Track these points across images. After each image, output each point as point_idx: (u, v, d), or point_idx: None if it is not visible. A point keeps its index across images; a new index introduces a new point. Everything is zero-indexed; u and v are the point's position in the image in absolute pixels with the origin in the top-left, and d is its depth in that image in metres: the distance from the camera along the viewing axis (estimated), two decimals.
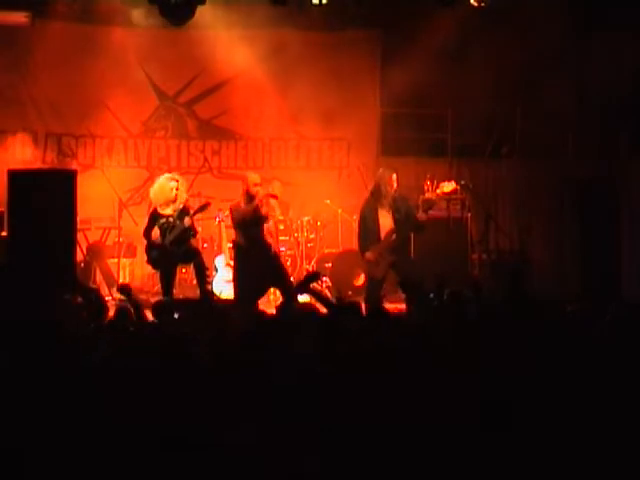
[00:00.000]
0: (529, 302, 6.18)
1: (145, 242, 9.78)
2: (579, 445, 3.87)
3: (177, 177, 9.91)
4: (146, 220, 9.79)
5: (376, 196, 9.30)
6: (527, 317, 5.56)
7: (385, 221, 9.27)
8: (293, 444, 3.68)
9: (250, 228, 9.17)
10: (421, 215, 9.25)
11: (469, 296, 6.18)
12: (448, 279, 6.29)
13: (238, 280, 9.36)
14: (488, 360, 4.59)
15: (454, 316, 5.58)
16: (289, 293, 8.81)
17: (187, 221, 9.51)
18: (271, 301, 10.40)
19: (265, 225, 9.25)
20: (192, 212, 9.73)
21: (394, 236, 9.22)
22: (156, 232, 9.63)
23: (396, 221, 9.22)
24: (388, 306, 7.40)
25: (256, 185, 9.14)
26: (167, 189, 9.63)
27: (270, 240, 9.36)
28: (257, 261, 9.13)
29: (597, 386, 4.24)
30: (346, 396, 4.05)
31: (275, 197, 9.42)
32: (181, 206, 9.65)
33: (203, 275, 9.92)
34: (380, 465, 3.67)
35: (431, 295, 6.19)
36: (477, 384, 4.19)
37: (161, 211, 9.62)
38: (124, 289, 6.58)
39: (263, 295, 9.61)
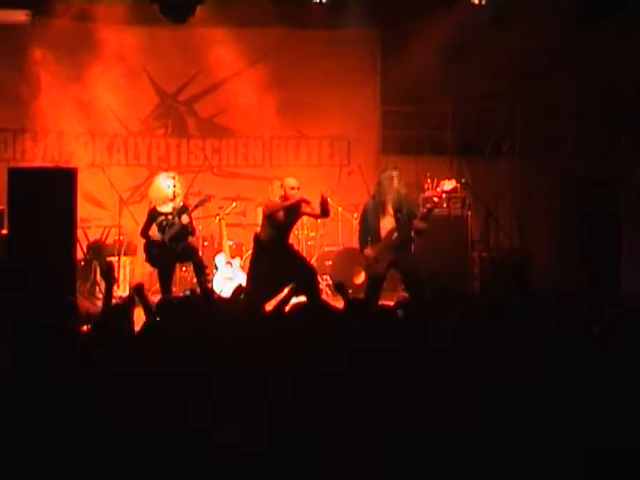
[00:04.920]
0: (531, 300, 6.18)
1: (144, 241, 9.81)
2: (578, 444, 3.87)
3: (174, 175, 9.94)
4: (144, 219, 9.83)
5: (379, 195, 9.32)
6: (529, 315, 5.56)
7: (387, 219, 9.28)
8: (293, 445, 3.69)
9: (278, 228, 9.21)
10: (418, 223, 9.25)
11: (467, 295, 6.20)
12: (443, 277, 6.30)
13: (251, 276, 9.38)
14: (487, 360, 4.60)
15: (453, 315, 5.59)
16: (312, 295, 8.87)
17: (185, 219, 9.55)
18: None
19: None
20: (191, 207, 9.77)
21: (395, 235, 9.23)
22: (154, 230, 9.67)
23: (397, 220, 9.22)
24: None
25: (293, 189, 9.23)
26: (164, 188, 9.67)
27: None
28: (274, 260, 9.15)
29: (596, 386, 4.24)
30: (345, 395, 4.06)
31: (308, 202, 9.36)
32: (180, 204, 9.69)
33: (202, 273, 9.94)
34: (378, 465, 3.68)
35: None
36: (476, 384, 4.19)
37: (160, 209, 9.65)
38: (138, 290, 6.43)
39: (276, 295, 9.60)
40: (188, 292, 9.64)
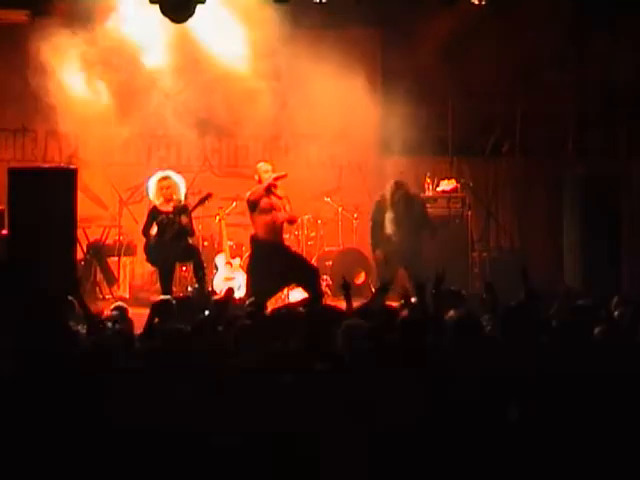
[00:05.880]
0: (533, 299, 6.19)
1: (144, 240, 9.81)
2: (578, 444, 3.87)
3: (168, 175, 9.94)
4: (145, 218, 9.84)
5: (389, 197, 9.38)
6: (531, 315, 5.57)
7: (397, 221, 9.32)
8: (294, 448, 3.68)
9: (264, 215, 9.28)
10: (432, 230, 9.40)
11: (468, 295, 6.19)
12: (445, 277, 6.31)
13: (251, 277, 9.40)
14: (486, 358, 4.59)
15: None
16: (315, 292, 8.92)
17: (184, 219, 9.57)
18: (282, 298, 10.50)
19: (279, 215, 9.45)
20: (192, 206, 9.78)
21: (405, 236, 9.28)
22: (154, 229, 9.67)
23: (409, 221, 9.27)
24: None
25: (267, 172, 9.51)
26: (158, 190, 9.72)
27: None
28: (273, 256, 9.17)
29: (598, 384, 4.24)
30: (346, 394, 4.05)
31: (284, 176, 9.54)
32: (182, 203, 9.70)
33: (202, 273, 9.94)
34: (379, 464, 3.68)
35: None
36: (475, 383, 4.19)
37: (160, 208, 9.67)
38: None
39: (277, 293, 9.69)
40: (191, 289, 9.64)
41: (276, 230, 9.34)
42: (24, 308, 7.12)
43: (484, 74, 12.09)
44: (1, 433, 3.79)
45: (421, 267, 9.17)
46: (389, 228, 9.37)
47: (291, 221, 9.76)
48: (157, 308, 6.21)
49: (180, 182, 10.04)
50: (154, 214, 9.69)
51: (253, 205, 9.35)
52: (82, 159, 12.48)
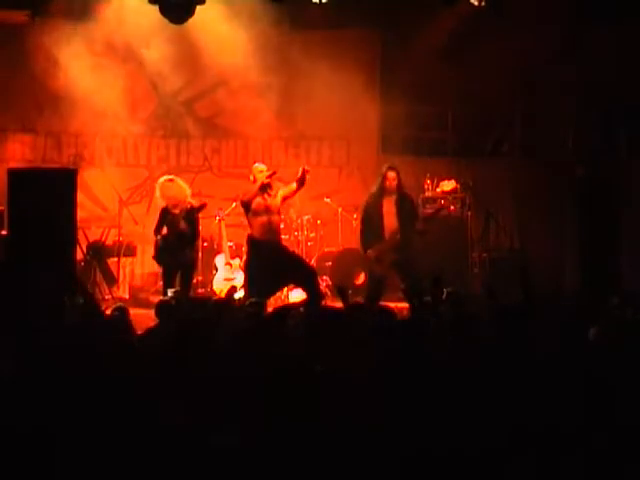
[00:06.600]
0: (536, 300, 6.20)
1: (153, 239, 9.81)
2: (577, 444, 3.87)
3: (172, 178, 9.94)
4: (156, 218, 9.85)
5: (380, 193, 9.36)
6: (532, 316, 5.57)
7: (389, 219, 9.31)
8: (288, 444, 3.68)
9: (259, 216, 9.22)
10: (419, 224, 9.35)
11: (467, 296, 6.19)
12: (444, 278, 6.32)
13: (248, 277, 9.40)
14: (487, 360, 4.59)
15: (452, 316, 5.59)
16: (313, 292, 8.92)
17: (182, 224, 9.58)
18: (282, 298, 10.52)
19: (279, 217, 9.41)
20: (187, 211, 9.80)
21: (398, 236, 9.27)
22: (165, 230, 9.70)
23: (401, 220, 9.26)
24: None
25: (261, 172, 9.35)
26: (162, 191, 9.73)
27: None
28: (269, 255, 9.17)
29: (596, 385, 4.24)
30: (344, 395, 4.05)
31: (274, 172, 9.42)
32: (189, 206, 9.72)
33: (189, 283, 9.95)
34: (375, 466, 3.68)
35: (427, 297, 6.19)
36: (476, 385, 4.19)
37: (170, 209, 9.70)
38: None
39: (275, 293, 9.69)
40: (171, 293, 9.59)
41: (272, 230, 9.31)
42: (24, 308, 7.13)
43: (484, 74, 12.09)
44: (1, 433, 3.80)
45: (414, 267, 9.16)
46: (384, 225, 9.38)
47: (302, 180, 9.24)
48: (157, 309, 6.23)
49: (182, 186, 10.03)
50: (164, 215, 9.71)
51: (246, 206, 9.29)
52: (82, 159, 12.49)
